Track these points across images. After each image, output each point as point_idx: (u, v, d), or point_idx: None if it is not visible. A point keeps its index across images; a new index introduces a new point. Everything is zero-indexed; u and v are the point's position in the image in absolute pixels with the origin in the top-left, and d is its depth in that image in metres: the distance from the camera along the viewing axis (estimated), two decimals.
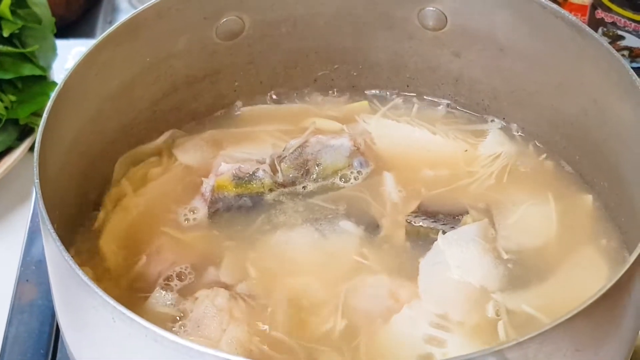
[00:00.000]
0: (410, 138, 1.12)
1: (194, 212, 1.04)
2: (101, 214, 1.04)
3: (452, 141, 1.12)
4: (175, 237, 1.02)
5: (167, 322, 0.92)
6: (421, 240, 1.00)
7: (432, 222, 1.01)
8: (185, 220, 1.03)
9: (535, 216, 1.04)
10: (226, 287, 0.95)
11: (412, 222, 1.01)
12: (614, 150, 1.01)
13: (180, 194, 1.06)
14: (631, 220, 0.99)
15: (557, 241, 1.02)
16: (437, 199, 1.05)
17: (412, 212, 1.03)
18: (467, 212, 1.02)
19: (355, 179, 1.06)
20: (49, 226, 0.83)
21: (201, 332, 0.91)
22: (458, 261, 0.97)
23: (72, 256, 0.81)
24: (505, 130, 1.13)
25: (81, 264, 0.81)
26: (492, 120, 1.14)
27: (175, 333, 0.90)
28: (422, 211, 1.03)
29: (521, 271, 0.98)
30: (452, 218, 1.01)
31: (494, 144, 1.12)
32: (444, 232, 0.99)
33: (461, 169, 1.09)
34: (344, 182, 1.06)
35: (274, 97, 1.18)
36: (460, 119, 1.16)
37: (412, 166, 1.09)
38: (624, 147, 0.99)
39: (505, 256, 0.99)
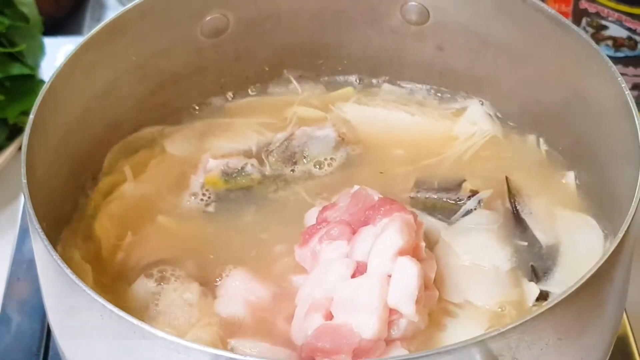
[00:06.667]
0: (388, 121, 1.13)
1: (182, 204, 1.05)
2: (90, 207, 1.05)
3: (432, 120, 1.13)
4: (161, 228, 1.02)
5: (145, 310, 0.93)
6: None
7: (435, 193, 1.03)
8: (174, 209, 1.04)
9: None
10: (204, 281, 0.95)
11: (416, 197, 1.04)
12: (596, 140, 1.02)
13: (169, 186, 1.07)
14: (612, 206, 0.99)
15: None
16: (430, 175, 1.06)
17: (413, 189, 1.05)
18: (465, 180, 1.04)
19: (329, 165, 1.08)
20: (37, 226, 0.84)
21: (170, 323, 0.91)
22: (465, 249, 0.98)
23: (60, 253, 0.82)
24: (485, 110, 1.14)
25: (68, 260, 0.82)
26: (480, 101, 1.15)
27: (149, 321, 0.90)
28: (421, 186, 1.05)
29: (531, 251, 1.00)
30: (452, 188, 1.04)
31: (472, 124, 1.12)
32: (450, 200, 1.02)
33: (443, 147, 1.10)
34: (319, 169, 1.07)
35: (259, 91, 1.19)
36: (439, 101, 1.16)
37: (392, 147, 1.10)
38: (605, 136, 1.00)
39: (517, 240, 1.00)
